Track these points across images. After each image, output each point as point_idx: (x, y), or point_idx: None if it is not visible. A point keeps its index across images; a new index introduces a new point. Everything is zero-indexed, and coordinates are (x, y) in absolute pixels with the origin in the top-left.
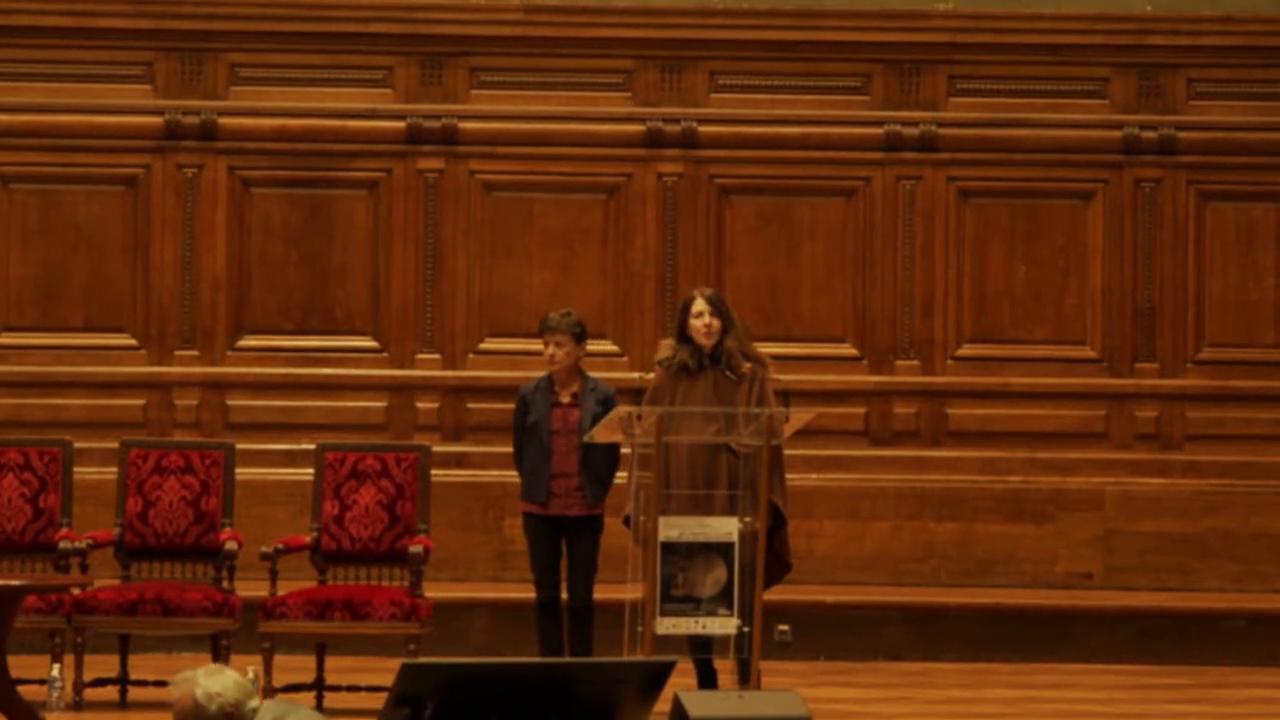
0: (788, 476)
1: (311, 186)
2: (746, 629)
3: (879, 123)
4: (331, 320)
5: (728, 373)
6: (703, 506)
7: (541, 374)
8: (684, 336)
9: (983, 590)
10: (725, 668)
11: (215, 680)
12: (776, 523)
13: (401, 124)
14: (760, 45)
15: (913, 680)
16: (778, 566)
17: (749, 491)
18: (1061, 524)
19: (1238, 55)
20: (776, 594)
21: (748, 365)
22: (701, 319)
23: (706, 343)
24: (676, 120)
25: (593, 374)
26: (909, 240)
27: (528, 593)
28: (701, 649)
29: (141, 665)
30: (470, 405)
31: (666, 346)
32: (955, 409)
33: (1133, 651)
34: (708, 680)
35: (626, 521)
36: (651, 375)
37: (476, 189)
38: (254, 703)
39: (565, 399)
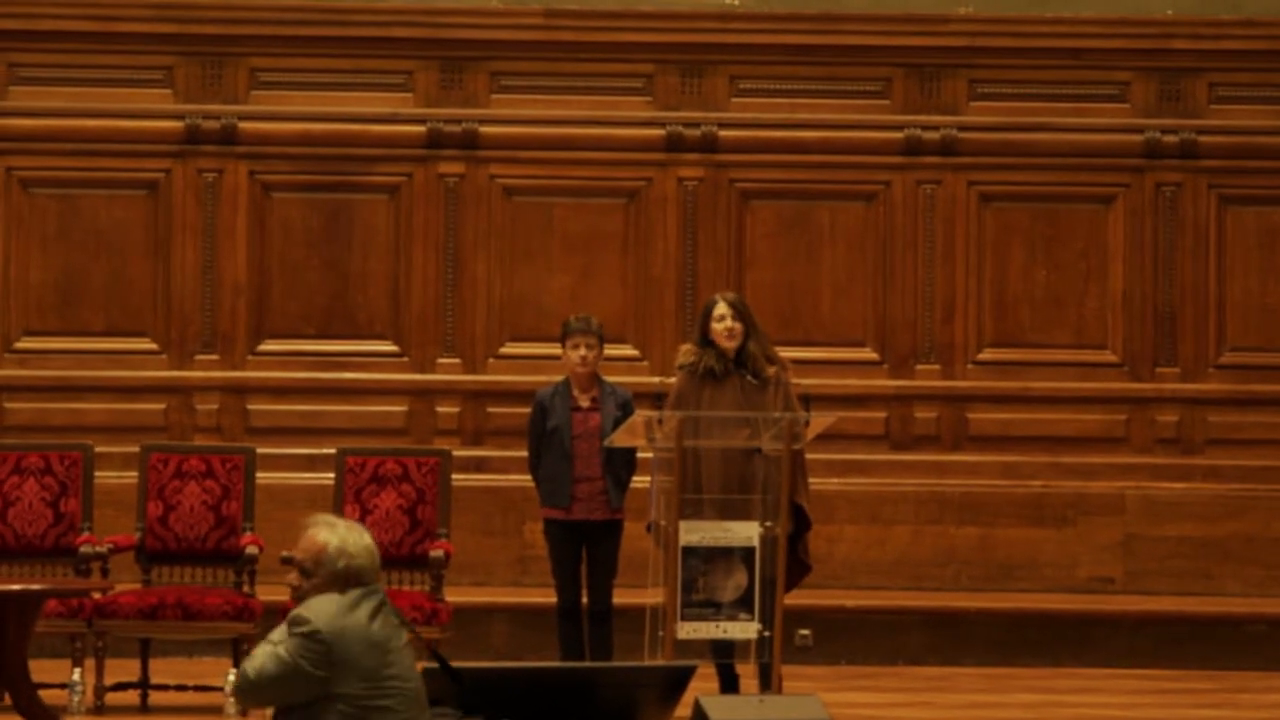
0: (810, 480)
1: (332, 191)
2: (767, 633)
3: (899, 127)
4: (352, 325)
5: (751, 377)
6: (738, 511)
7: (559, 378)
8: (706, 341)
9: (1003, 595)
10: (746, 672)
11: (354, 538)
12: (801, 525)
13: (422, 128)
14: (780, 49)
15: (933, 685)
16: (798, 568)
17: (773, 496)
18: (1082, 528)
19: (1259, 59)
20: (797, 598)
21: (772, 369)
22: (723, 323)
23: (729, 346)
24: (697, 124)
25: (611, 378)
26: (929, 244)
27: (548, 597)
28: (724, 653)
29: (162, 670)
30: (490, 410)
31: (688, 351)
32: (976, 413)
33: (1154, 656)
34: (729, 685)
35: (650, 528)
36: (672, 379)
37: (497, 193)
38: (372, 580)
39: (585, 403)
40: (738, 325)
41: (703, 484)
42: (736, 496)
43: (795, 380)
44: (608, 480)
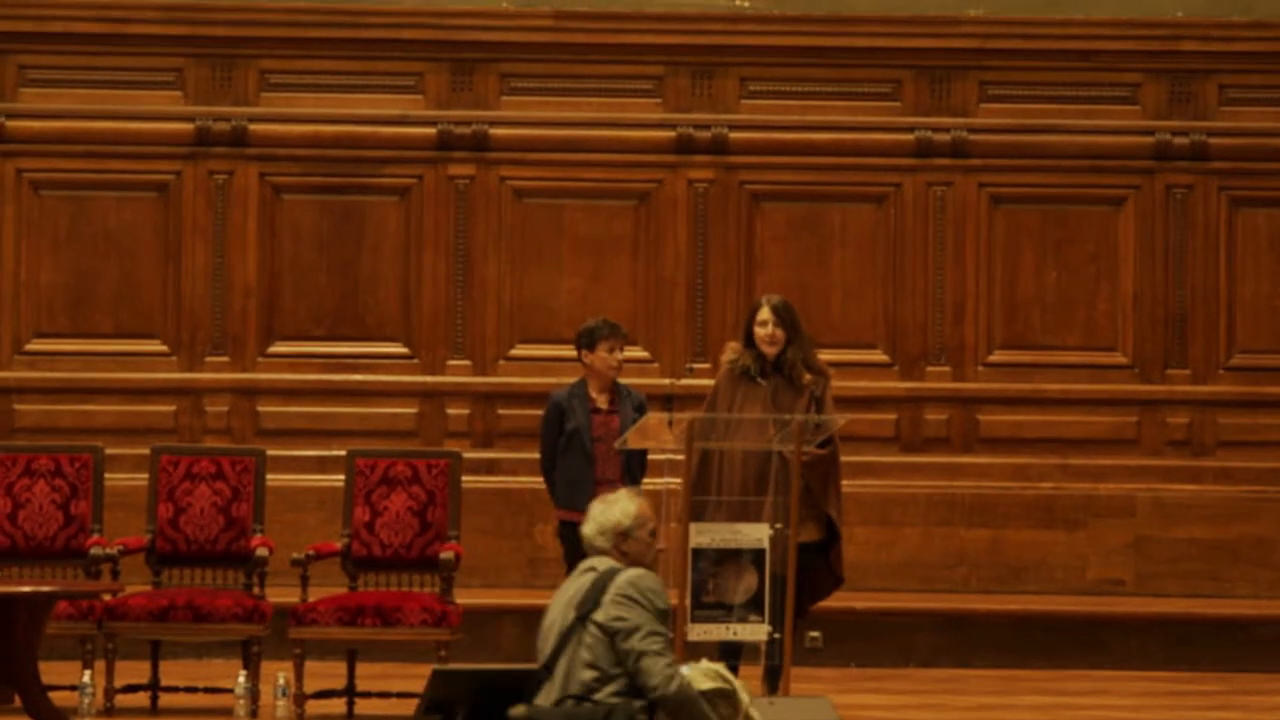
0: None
1: (342, 193)
2: (777, 635)
3: (910, 129)
4: (362, 326)
5: (786, 382)
6: (752, 514)
7: (571, 380)
8: (750, 341)
9: (1014, 597)
10: (750, 674)
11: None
12: (831, 536)
13: (432, 130)
14: (791, 51)
15: (944, 687)
16: (830, 580)
17: (784, 499)
18: (1093, 530)
19: (1269, 61)
20: None
21: (808, 376)
22: (765, 328)
23: (769, 351)
24: (707, 126)
25: (621, 380)
26: (940, 246)
27: None
28: (732, 655)
29: (172, 671)
30: (501, 411)
31: (732, 349)
32: (986, 415)
33: (1164, 658)
34: None
35: None
36: (681, 381)
37: (507, 195)
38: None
39: (604, 405)
40: (779, 332)
41: (722, 486)
42: (753, 499)
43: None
44: (626, 483)
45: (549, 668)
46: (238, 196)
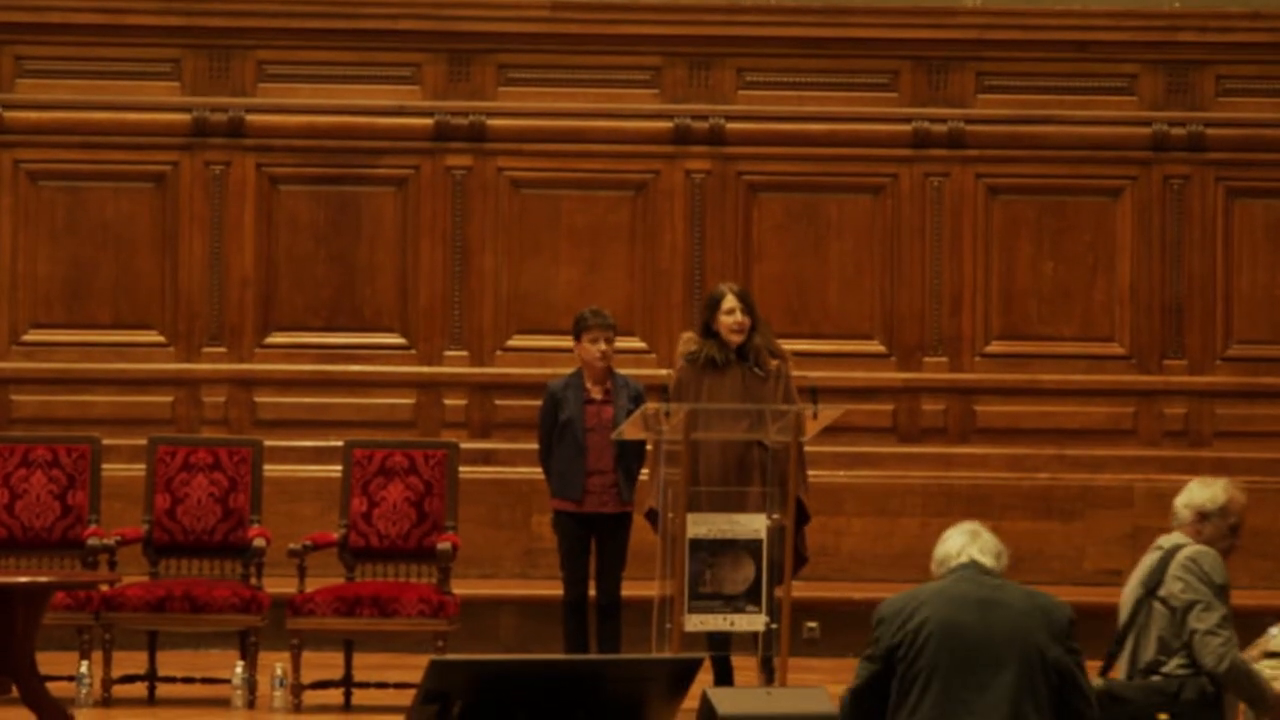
0: (812, 473)
1: (339, 184)
2: (774, 626)
3: (907, 119)
4: (359, 317)
5: (755, 369)
6: (735, 503)
7: (568, 371)
8: (709, 331)
9: None
10: (743, 664)
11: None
12: (800, 518)
13: (429, 121)
14: (788, 42)
15: None
16: (795, 560)
17: (777, 488)
18: (1090, 521)
19: (1266, 51)
20: (805, 591)
21: (775, 362)
22: (733, 316)
23: (737, 339)
24: (704, 117)
25: (620, 371)
26: (937, 237)
27: (555, 589)
28: (720, 646)
29: (169, 662)
30: (498, 402)
31: (690, 340)
32: (983, 406)
33: None
34: (724, 677)
35: (649, 515)
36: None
37: (504, 186)
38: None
39: (598, 395)
40: (746, 319)
41: (700, 475)
42: (734, 489)
43: (801, 373)
44: (619, 473)
45: (1119, 642)
46: (235, 187)
